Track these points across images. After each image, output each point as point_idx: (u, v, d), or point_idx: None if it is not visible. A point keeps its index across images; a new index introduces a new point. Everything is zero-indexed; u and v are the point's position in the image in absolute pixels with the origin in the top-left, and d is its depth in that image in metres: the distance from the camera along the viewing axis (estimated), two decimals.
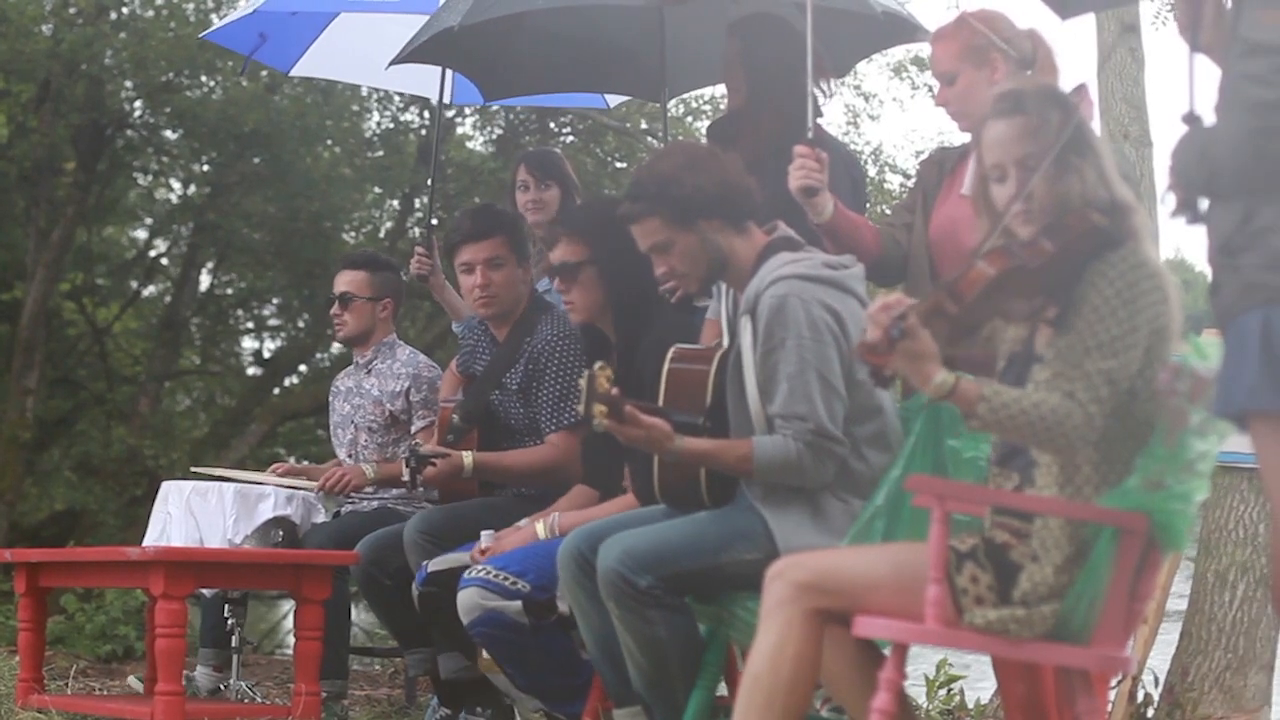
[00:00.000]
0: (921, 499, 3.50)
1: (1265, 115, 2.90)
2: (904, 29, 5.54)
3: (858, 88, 13.13)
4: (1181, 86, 3.17)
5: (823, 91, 4.94)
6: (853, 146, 12.83)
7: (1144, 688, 5.78)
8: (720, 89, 8.27)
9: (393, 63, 5.83)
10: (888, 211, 8.29)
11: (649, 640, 4.13)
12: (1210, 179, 3.02)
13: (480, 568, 4.75)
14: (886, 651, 3.48)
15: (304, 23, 6.87)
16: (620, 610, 4.13)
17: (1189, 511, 3.43)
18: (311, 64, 7.10)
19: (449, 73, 6.48)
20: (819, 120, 4.83)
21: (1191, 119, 3.14)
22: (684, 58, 6.08)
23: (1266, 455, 3.01)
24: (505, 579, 4.70)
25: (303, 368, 14.94)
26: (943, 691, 6.48)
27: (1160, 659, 6.01)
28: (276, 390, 14.79)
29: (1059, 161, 3.42)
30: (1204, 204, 3.10)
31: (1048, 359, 3.40)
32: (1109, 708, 5.65)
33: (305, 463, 7.48)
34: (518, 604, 4.68)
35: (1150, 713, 5.85)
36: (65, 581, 5.99)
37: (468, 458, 5.31)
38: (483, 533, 4.94)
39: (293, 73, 7.26)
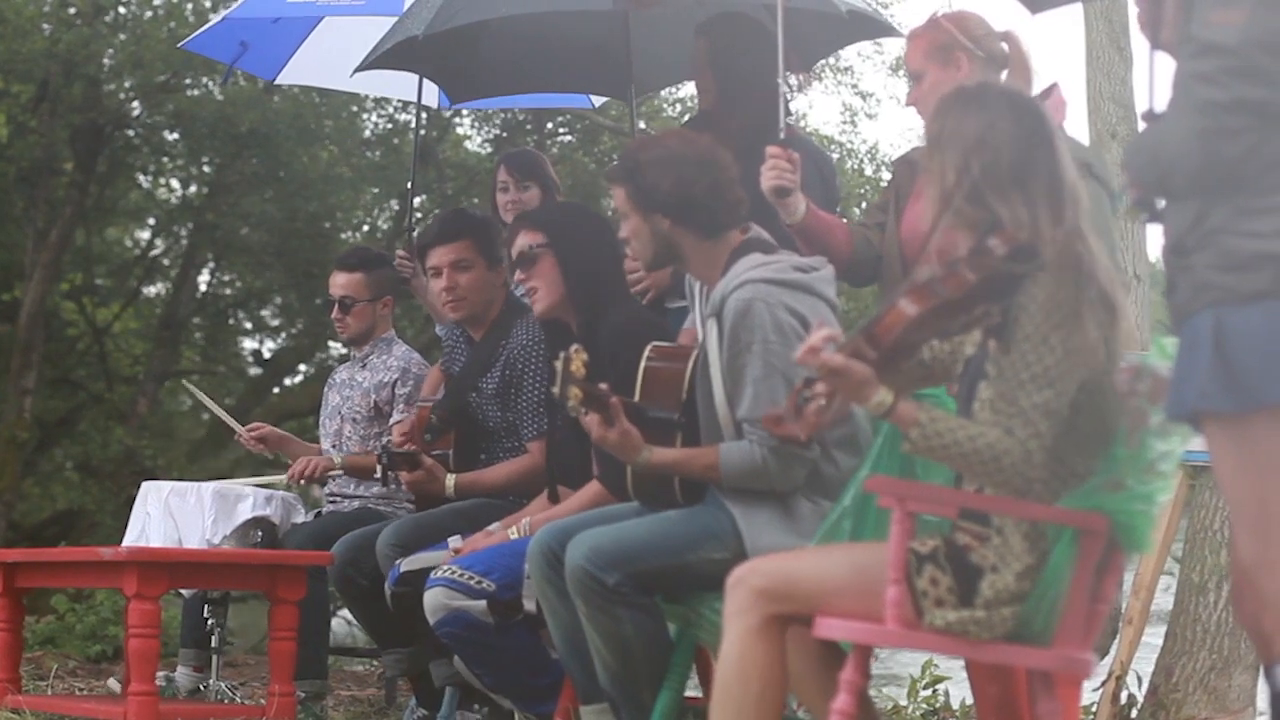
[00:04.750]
0: (882, 500, 3.49)
1: (1214, 116, 2.89)
2: (871, 26, 5.54)
3: (855, 86, 13.12)
4: (1143, 84, 3.17)
5: (791, 88, 4.93)
6: (849, 144, 12.85)
7: (1128, 689, 5.75)
8: None
9: (358, 69, 5.84)
10: None
11: (616, 638, 4.13)
12: (1163, 178, 3.01)
13: (446, 567, 4.74)
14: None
15: (287, 29, 6.85)
16: (587, 607, 4.13)
17: (1151, 512, 3.41)
18: (296, 72, 7.08)
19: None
20: (789, 119, 4.81)
21: (1151, 117, 3.13)
22: (651, 56, 6.09)
23: (1219, 456, 3.00)
24: (471, 578, 4.68)
25: (302, 367, 14.96)
26: (926, 692, 6.47)
27: (1145, 660, 5.99)
28: (276, 390, 14.81)
29: (973, 190, 3.38)
30: (1161, 202, 3.09)
31: (991, 377, 3.37)
32: (1094, 708, 5.64)
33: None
34: (482, 604, 4.66)
35: (1134, 714, 5.83)
36: (42, 582, 5.98)
37: (450, 480, 5.30)
38: (450, 540, 4.93)
39: (278, 80, 7.24)
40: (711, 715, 3.50)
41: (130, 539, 5.79)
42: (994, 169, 3.37)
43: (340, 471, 6.09)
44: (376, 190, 13.63)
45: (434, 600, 4.72)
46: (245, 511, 5.80)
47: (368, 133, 13.51)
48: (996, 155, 3.37)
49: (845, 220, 4.97)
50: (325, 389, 6.49)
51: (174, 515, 5.73)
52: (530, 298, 4.88)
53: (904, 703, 6.50)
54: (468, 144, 13.79)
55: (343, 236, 13.60)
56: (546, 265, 4.79)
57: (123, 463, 12.68)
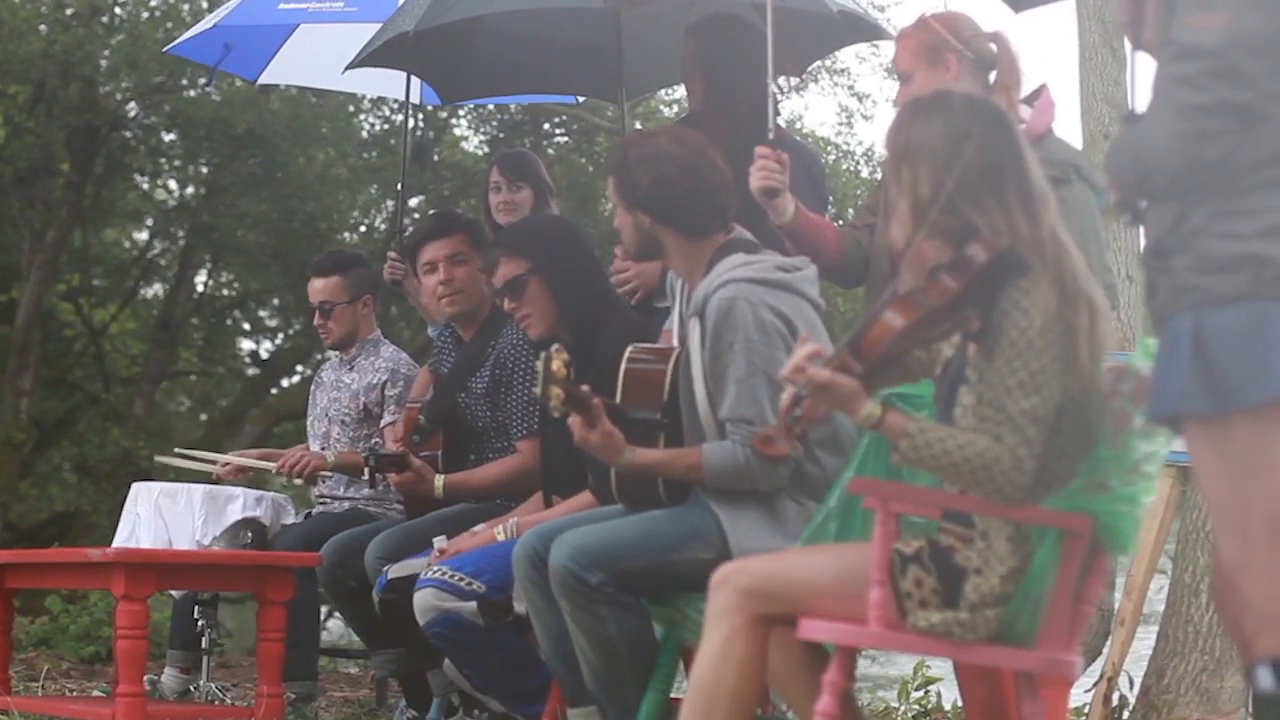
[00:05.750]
0: (867, 501, 3.49)
1: (1194, 118, 2.89)
2: (862, 28, 5.54)
3: (851, 88, 13.10)
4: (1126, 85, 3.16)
5: (780, 89, 4.92)
6: (845, 146, 12.83)
7: (1119, 690, 5.75)
8: None
9: (349, 67, 5.84)
10: None
11: (600, 638, 4.13)
12: (1143, 180, 3.00)
13: (436, 569, 4.74)
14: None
15: (268, 32, 6.88)
16: (571, 607, 4.13)
17: (1135, 514, 3.41)
18: (277, 71, 7.11)
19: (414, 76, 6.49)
20: (779, 121, 4.81)
21: (1132, 119, 3.12)
22: (643, 58, 6.08)
23: (1199, 457, 3.00)
24: (461, 580, 4.69)
25: (300, 368, 14.95)
26: (918, 693, 6.47)
27: (1138, 661, 5.98)
28: (274, 391, 14.80)
29: (947, 200, 3.37)
30: (1144, 204, 3.08)
31: (971, 382, 3.37)
32: (1086, 710, 5.64)
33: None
34: (473, 605, 4.67)
35: (1125, 715, 5.82)
36: (29, 583, 5.98)
37: (438, 481, 5.30)
38: (435, 539, 4.93)
39: (260, 81, 7.26)
40: (684, 708, 3.49)
41: (120, 540, 5.78)
42: (966, 177, 3.35)
43: (331, 472, 6.09)
44: (374, 190, 13.63)
45: (424, 601, 4.73)
46: (235, 513, 5.80)
47: (365, 133, 13.51)
48: (967, 163, 3.36)
49: (841, 222, 4.96)
50: (312, 389, 6.49)
51: (164, 516, 5.72)
52: (522, 324, 4.86)
53: (896, 704, 6.51)
54: (464, 145, 13.78)
55: (339, 237, 13.59)
56: (535, 291, 4.77)
57: (119, 464, 12.67)
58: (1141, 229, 3.11)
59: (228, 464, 6.19)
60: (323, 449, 6.24)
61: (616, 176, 4.32)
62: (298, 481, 6.18)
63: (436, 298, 5.54)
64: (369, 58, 5.76)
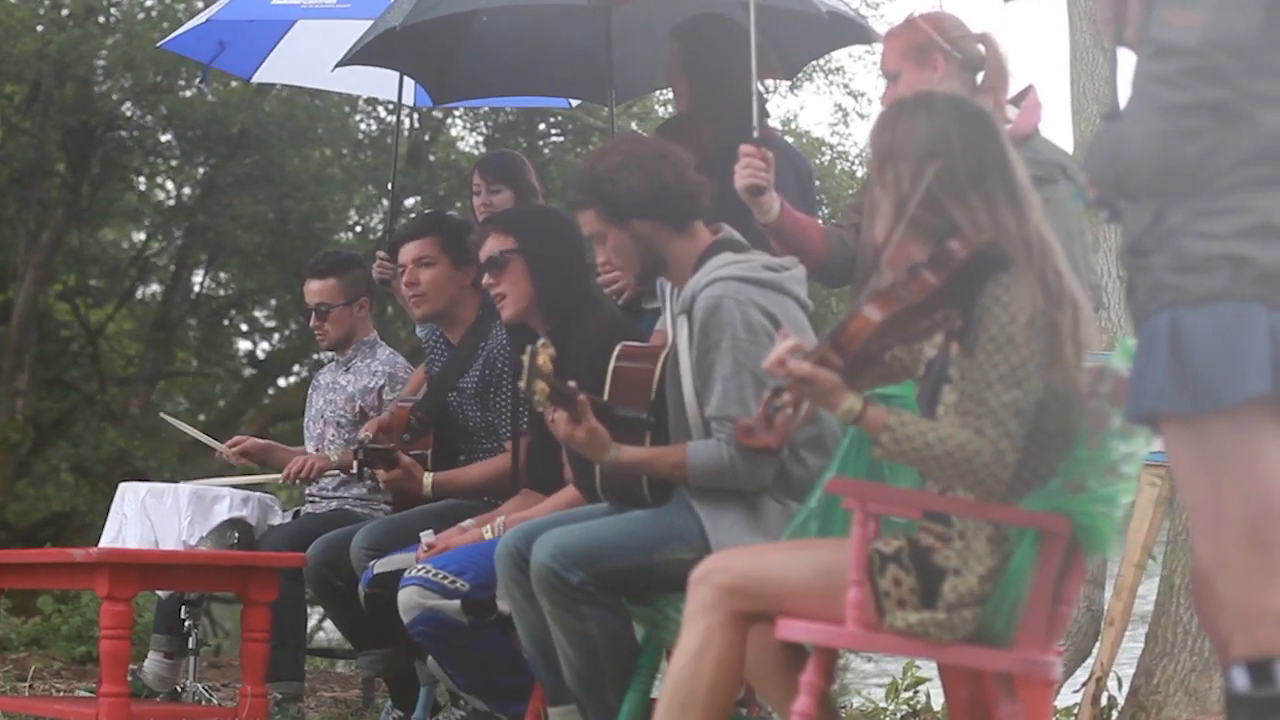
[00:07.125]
0: (845, 501, 3.48)
1: (1172, 117, 2.88)
2: (852, 30, 5.52)
3: (846, 86, 13.11)
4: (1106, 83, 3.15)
5: (765, 89, 4.91)
6: (841, 147, 12.83)
7: (1108, 690, 5.74)
8: None
9: (339, 64, 5.82)
10: None
11: (581, 637, 4.12)
12: (1121, 179, 2.99)
13: (420, 567, 4.74)
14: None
15: (263, 30, 6.86)
16: (552, 606, 4.12)
17: (1113, 514, 3.40)
18: (273, 70, 7.09)
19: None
20: (766, 120, 4.80)
21: (1113, 117, 3.11)
22: (635, 60, 6.06)
23: (1176, 457, 2.98)
24: (444, 578, 4.68)
25: (296, 368, 14.96)
26: (907, 693, 6.46)
27: (1126, 662, 5.97)
28: (271, 391, 14.81)
29: (929, 197, 3.36)
30: (1122, 203, 3.07)
31: (954, 380, 3.36)
32: (1075, 710, 5.63)
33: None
34: (456, 603, 4.66)
35: (1114, 716, 5.82)
36: (15, 583, 5.95)
37: (427, 479, 5.29)
38: (422, 534, 4.92)
39: (254, 79, 7.24)
40: (660, 703, 3.49)
41: (107, 540, 5.76)
42: (949, 174, 3.35)
43: (337, 471, 6.09)
44: (370, 191, 13.63)
45: (408, 599, 4.72)
46: (222, 513, 5.78)
47: (360, 134, 13.51)
48: (950, 160, 3.35)
49: (833, 222, 4.96)
50: (310, 390, 6.49)
51: (150, 516, 5.71)
52: (498, 303, 4.86)
53: (885, 704, 6.50)
54: (460, 145, 13.79)
55: (335, 237, 13.60)
56: (516, 270, 4.77)
57: (115, 464, 12.68)
58: (1118, 228, 3.09)
59: (235, 446, 6.19)
60: (317, 450, 6.23)
61: (599, 200, 4.23)
62: (296, 482, 6.17)
63: (407, 299, 5.57)
64: (358, 55, 5.74)
